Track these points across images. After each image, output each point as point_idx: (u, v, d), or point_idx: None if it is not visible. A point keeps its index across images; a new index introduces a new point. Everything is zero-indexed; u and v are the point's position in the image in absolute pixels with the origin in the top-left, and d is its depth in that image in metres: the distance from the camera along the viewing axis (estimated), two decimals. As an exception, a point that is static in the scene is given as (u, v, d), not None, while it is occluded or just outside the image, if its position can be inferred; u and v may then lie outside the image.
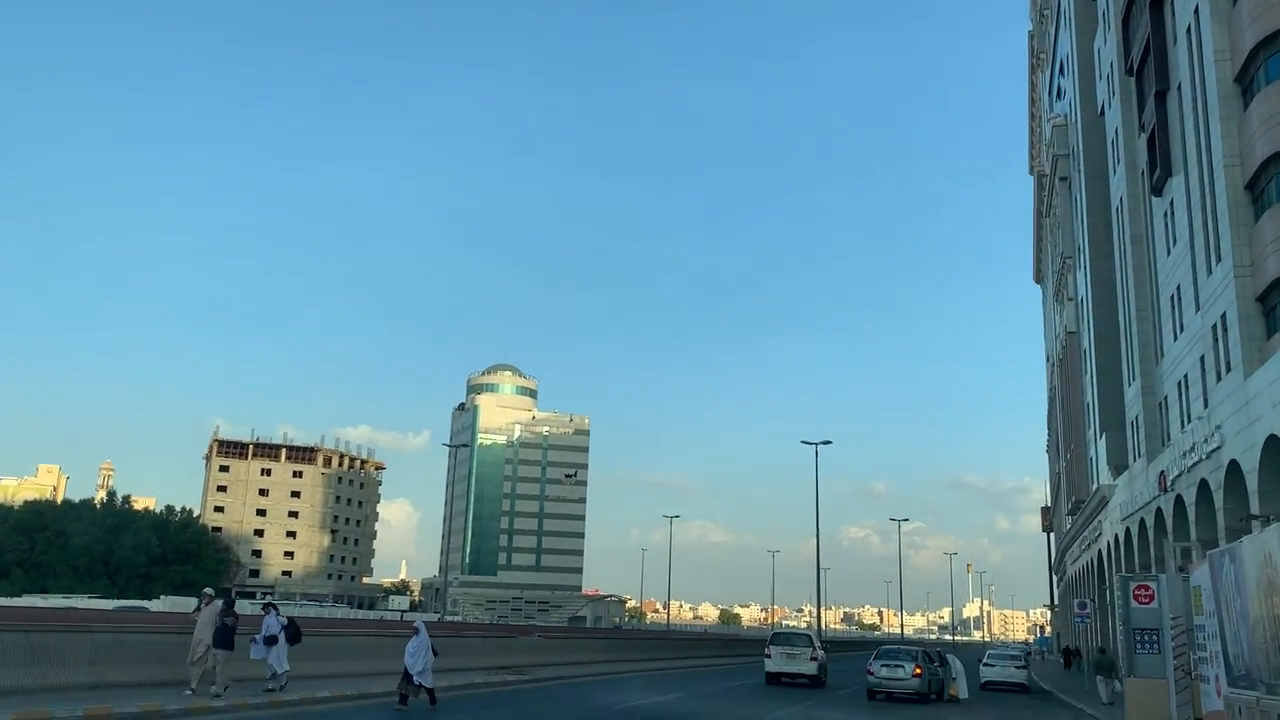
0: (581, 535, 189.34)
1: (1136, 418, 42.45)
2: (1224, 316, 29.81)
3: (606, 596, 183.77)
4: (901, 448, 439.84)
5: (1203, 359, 32.74)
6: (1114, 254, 47.48)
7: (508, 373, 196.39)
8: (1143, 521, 40.27)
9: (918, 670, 27.36)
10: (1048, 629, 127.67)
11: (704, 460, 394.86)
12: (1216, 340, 30.66)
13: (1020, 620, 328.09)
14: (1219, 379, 30.25)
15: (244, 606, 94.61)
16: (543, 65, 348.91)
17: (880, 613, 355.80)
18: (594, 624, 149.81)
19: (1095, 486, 53.15)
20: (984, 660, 38.30)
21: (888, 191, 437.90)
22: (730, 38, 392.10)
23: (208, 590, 17.41)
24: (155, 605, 72.38)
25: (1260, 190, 28.26)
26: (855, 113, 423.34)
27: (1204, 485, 30.79)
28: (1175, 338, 36.98)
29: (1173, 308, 37.12)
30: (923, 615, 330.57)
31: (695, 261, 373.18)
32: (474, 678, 25.83)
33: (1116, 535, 46.21)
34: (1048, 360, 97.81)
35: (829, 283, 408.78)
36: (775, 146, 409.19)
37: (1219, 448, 28.82)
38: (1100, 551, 53.53)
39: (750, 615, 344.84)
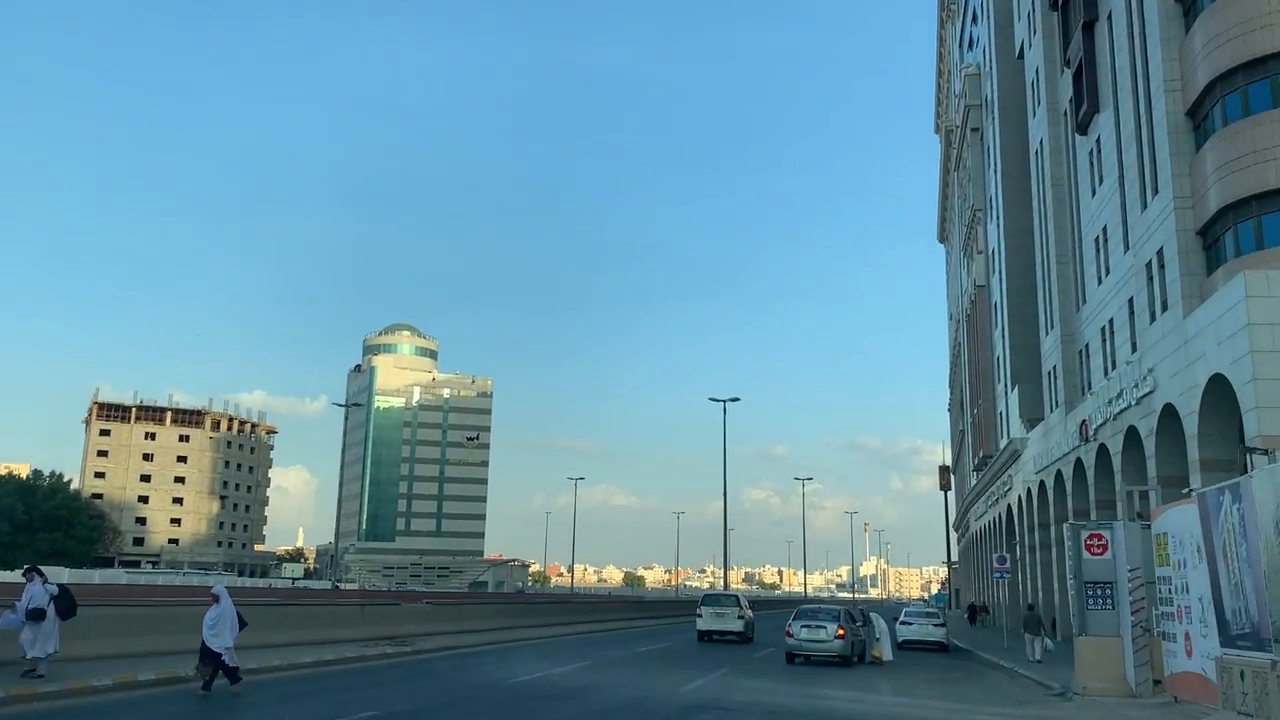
0: (484, 499, 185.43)
1: (1054, 368, 41.22)
2: (1160, 253, 28.19)
3: (509, 561, 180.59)
4: (801, 411, 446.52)
5: (1131, 301, 31.24)
6: (1031, 200, 46.14)
7: (406, 333, 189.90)
8: (1059, 474, 39.09)
9: (840, 632, 25.24)
10: (943, 586, 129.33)
11: (608, 425, 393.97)
12: (1151, 279, 29.09)
13: (914, 578, 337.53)
14: (1153, 320, 28.71)
15: (118, 575, 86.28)
16: (448, 24, 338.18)
17: (780, 572, 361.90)
18: (496, 589, 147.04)
19: (1006, 441, 52.23)
20: (900, 619, 36.75)
21: (791, 160, 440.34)
22: (636, 2, 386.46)
23: None
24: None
25: (1204, 116, 26.56)
26: (761, 81, 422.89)
27: (1132, 433, 29.33)
28: (1099, 282, 35.54)
29: (1097, 250, 35.64)
30: (821, 574, 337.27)
31: (602, 226, 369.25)
32: (345, 651, 22.71)
33: (1029, 489, 45.21)
34: (951, 318, 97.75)
35: (733, 251, 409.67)
36: (682, 112, 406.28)
37: (1151, 392, 27.25)
38: (1010, 506, 52.78)
39: (654, 577, 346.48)
